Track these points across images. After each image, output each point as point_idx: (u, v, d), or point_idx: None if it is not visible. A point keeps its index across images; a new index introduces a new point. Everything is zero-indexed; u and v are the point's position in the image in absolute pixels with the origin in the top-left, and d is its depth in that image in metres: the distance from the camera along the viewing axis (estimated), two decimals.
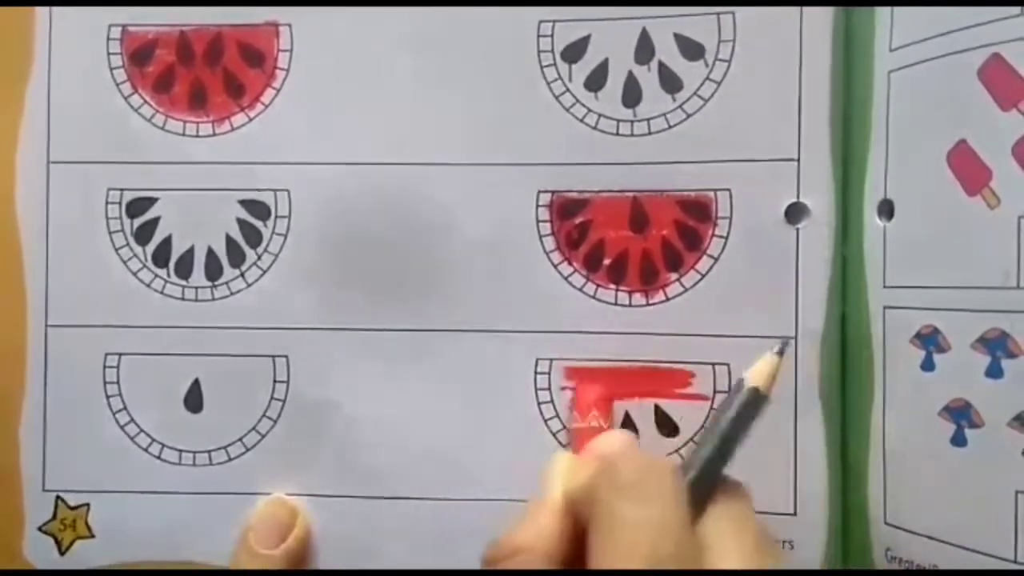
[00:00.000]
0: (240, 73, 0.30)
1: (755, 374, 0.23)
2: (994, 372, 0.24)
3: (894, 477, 0.26)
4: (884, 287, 0.27)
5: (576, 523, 0.22)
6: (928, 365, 0.25)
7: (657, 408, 0.28)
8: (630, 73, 0.29)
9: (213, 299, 0.30)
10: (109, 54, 0.30)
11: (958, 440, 0.24)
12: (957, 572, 0.25)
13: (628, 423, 0.28)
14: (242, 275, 0.30)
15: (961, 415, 0.24)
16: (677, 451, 0.28)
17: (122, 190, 0.30)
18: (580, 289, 0.29)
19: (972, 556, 0.24)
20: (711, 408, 0.28)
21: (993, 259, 0.24)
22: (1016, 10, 0.24)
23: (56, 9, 0.30)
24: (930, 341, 0.25)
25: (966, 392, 0.24)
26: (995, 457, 0.24)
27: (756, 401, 0.23)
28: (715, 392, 0.28)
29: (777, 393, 0.27)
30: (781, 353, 0.23)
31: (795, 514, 0.27)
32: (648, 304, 0.28)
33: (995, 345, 0.24)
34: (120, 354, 0.30)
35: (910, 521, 0.26)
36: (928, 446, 0.25)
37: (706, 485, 0.22)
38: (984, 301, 0.24)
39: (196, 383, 0.30)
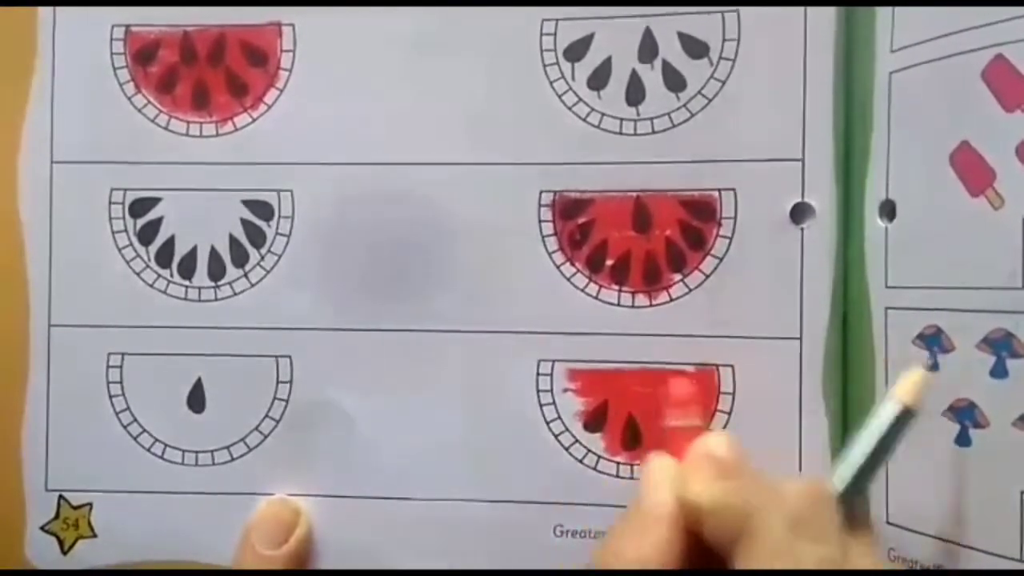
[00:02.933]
0: (243, 73, 0.30)
1: (902, 390, 0.23)
2: (999, 372, 0.24)
3: (898, 477, 0.26)
4: (886, 287, 0.27)
5: (690, 536, 0.22)
6: (932, 365, 0.25)
7: (660, 411, 0.28)
8: (633, 72, 0.29)
9: (216, 299, 0.30)
10: (113, 54, 0.30)
11: (962, 440, 0.24)
12: (961, 572, 0.25)
13: (630, 426, 0.28)
14: (245, 275, 0.30)
15: (965, 415, 0.24)
16: None
17: (125, 190, 0.30)
18: (582, 290, 0.29)
19: (977, 556, 0.24)
20: (715, 409, 0.28)
21: (997, 259, 0.24)
22: (1019, 10, 0.24)
23: (60, 9, 0.30)
24: (933, 341, 0.25)
25: (970, 392, 0.24)
26: (1000, 457, 0.24)
27: (905, 418, 0.23)
28: (720, 394, 0.28)
29: (780, 393, 0.27)
30: (932, 369, 0.23)
31: None
32: (651, 305, 0.28)
33: (1000, 345, 0.24)
34: (123, 354, 0.30)
35: (914, 521, 0.26)
36: (932, 446, 0.25)
37: (851, 504, 0.22)
38: (988, 301, 0.24)
39: (199, 383, 0.30)
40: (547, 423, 0.29)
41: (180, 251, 0.30)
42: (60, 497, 0.30)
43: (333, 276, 0.29)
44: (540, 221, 0.29)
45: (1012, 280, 0.24)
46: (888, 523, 0.26)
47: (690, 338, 0.28)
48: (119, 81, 0.30)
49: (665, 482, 0.23)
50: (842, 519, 0.22)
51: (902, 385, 0.23)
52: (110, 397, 0.30)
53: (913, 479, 0.26)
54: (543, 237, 0.29)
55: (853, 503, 0.22)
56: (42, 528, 0.30)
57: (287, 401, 0.29)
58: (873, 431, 0.23)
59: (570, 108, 0.29)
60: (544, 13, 0.29)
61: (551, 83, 0.29)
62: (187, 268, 0.30)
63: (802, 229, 0.28)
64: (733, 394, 0.28)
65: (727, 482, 0.22)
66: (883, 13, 0.27)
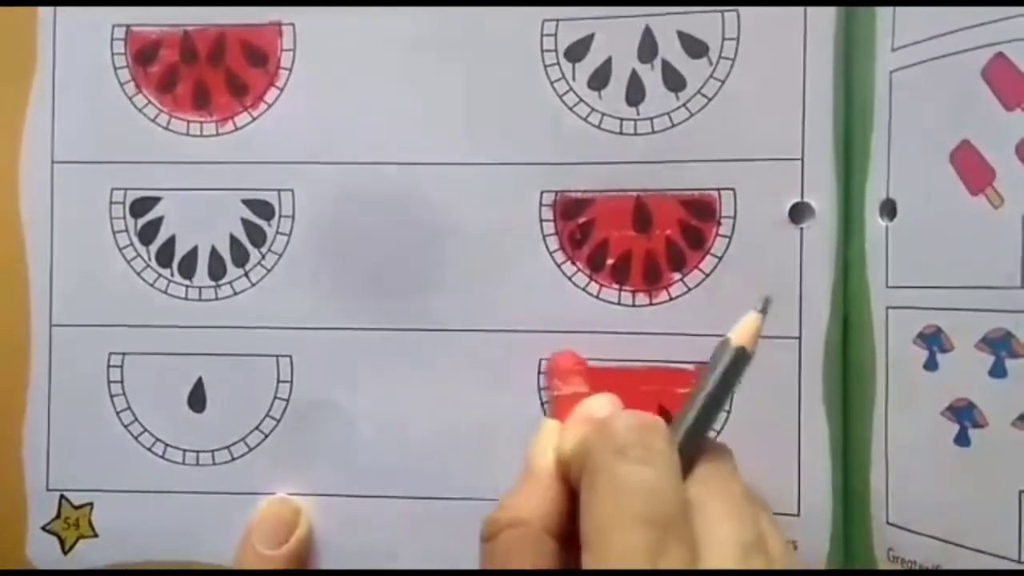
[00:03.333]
0: (243, 73, 0.30)
1: (739, 333, 0.23)
2: (998, 372, 0.24)
3: (897, 477, 0.26)
4: (887, 287, 0.27)
5: (570, 489, 0.22)
6: (931, 365, 0.25)
7: (661, 408, 0.28)
8: (633, 72, 0.29)
9: (217, 299, 0.30)
10: (113, 54, 0.30)
11: (961, 440, 0.24)
12: (960, 572, 0.25)
13: None
14: (246, 275, 0.30)
15: (964, 415, 0.24)
16: None
17: (126, 190, 0.30)
18: (583, 289, 0.29)
19: (975, 556, 0.24)
20: None
21: (997, 259, 0.24)
22: (1019, 10, 0.24)
23: (60, 9, 0.30)
24: (933, 341, 0.25)
25: (969, 392, 0.24)
26: (999, 457, 0.24)
27: (741, 360, 0.23)
28: None
29: (780, 393, 0.27)
30: (764, 311, 0.23)
31: (798, 514, 0.27)
32: (651, 304, 0.28)
33: (999, 345, 0.24)
34: (124, 354, 0.30)
35: (913, 521, 0.26)
36: (931, 446, 0.25)
37: (693, 444, 0.23)
38: (988, 301, 0.24)
39: (199, 383, 0.30)
40: None
41: (181, 251, 0.30)
42: (61, 497, 0.30)
43: (334, 275, 0.29)
44: (541, 221, 0.29)
45: (1011, 279, 0.24)
46: (887, 523, 0.26)
47: (690, 337, 0.28)
48: (119, 81, 0.30)
49: (548, 443, 0.24)
50: (685, 459, 0.22)
51: (738, 328, 0.23)
52: (111, 397, 0.30)
53: (912, 479, 0.26)
54: (544, 236, 0.29)
55: (696, 445, 0.23)
56: (43, 528, 0.30)
57: (288, 401, 0.29)
58: (709, 374, 0.23)
59: (571, 108, 0.29)
60: (544, 13, 0.29)
61: (552, 83, 0.29)
62: (188, 268, 0.30)
63: (801, 229, 0.28)
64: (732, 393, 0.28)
65: (581, 430, 0.23)
66: (883, 12, 0.27)
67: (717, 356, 0.23)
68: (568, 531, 0.22)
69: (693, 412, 0.23)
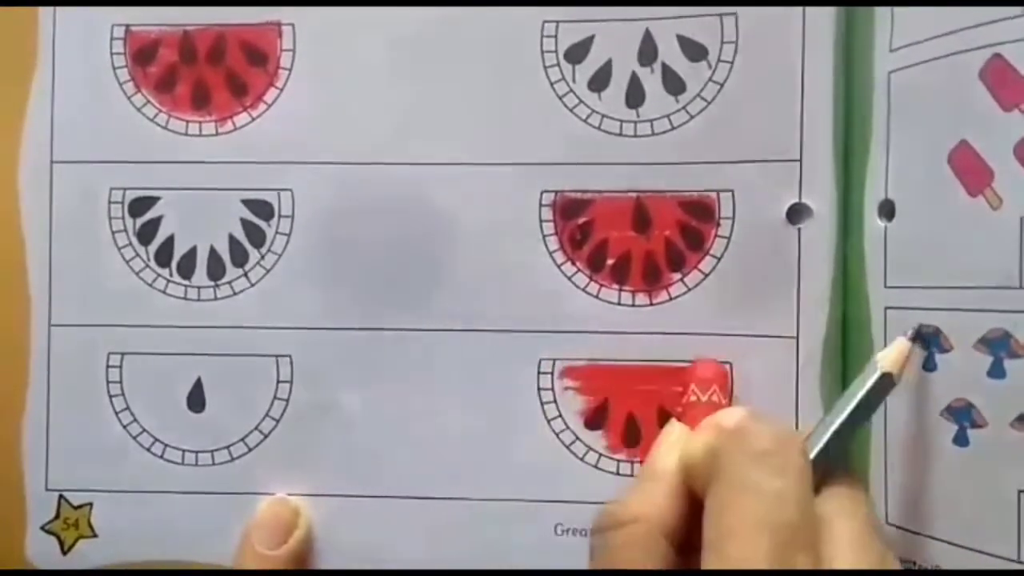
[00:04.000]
0: (243, 72, 0.30)
1: (886, 358, 0.24)
2: (996, 372, 0.24)
3: (896, 477, 0.26)
4: (885, 287, 0.27)
5: (690, 494, 0.22)
6: (930, 365, 0.25)
7: (660, 408, 0.28)
8: (633, 74, 0.29)
9: (216, 299, 0.30)
10: (112, 54, 0.30)
11: (960, 440, 0.25)
12: (959, 572, 0.25)
13: (631, 423, 0.28)
14: (245, 275, 0.30)
15: (963, 415, 0.25)
16: None
17: (125, 189, 0.30)
18: (583, 289, 0.29)
19: (975, 556, 0.24)
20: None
21: (995, 259, 0.24)
22: (1017, 10, 0.24)
23: (60, 9, 0.30)
24: (932, 341, 0.25)
25: (968, 392, 0.24)
26: (998, 457, 0.24)
27: (885, 385, 0.23)
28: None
29: (778, 393, 0.27)
30: (914, 339, 0.24)
31: None
32: (651, 304, 0.28)
33: (997, 345, 0.24)
34: (123, 354, 0.30)
35: (912, 521, 0.26)
36: (930, 446, 0.25)
37: (827, 462, 0.23)
38: (986, 301, 0.24)
39: (199, 383, 0.30)
40: (548, 421, 0.29)
41: (179, 250, 0.30)
42: (60, 497, 0.30)
43: (333, 276, 0.29)
44: (541, 221, 0.29)
45: (1009, 280, 0.24)
46: (887, 523, 0.26)
47: (689, 336, 0.28)
48: (119, 81, 0.30)
49: (672, 445, 0.24)
50: (816, 476, 0.22)
51: (886, 353, 0.24)
52: (110, 397, 0.30)
53: (911, 480, 0.26)
54: (544, 237, 0.29)
55: (830, 464, 0.23)
56: (42, 528, 0.30)
57: (287, 401, 0.29)
58: (852, 394, 0.23)
59: (571, 110, 0.29)
60: (545, 15, 0.29)
61: (552, 84, 0.29)
62: (187, 267, 0.30)
63: (799, 229, 0.28)
64: (731, 392, 0.28)
65: (712, 436, 0.23)
66: (882, 13, 0.27)
67: (862, 378, 0.24)
68: (684, 536, 0.22)
69: (829, 431, 0.23)
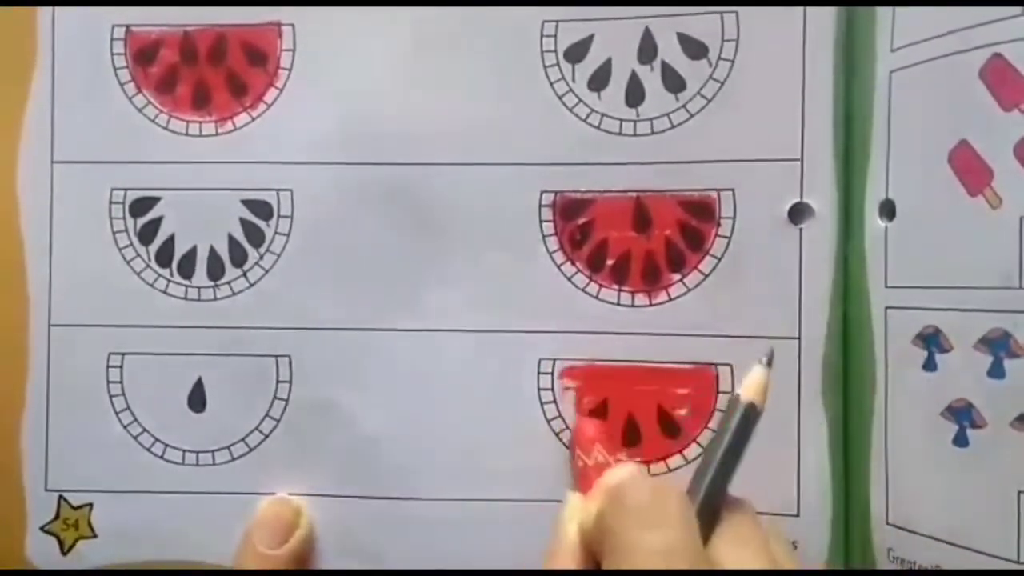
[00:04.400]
0: (243, 73, 0.30)
1: (747, 389, 0.24)
2: (996, 372, 0.24)
3: (896, 477, 0.26)
4: (886, 287, 0.27)
5: (594, 561, 0.22)
6: (930, 365, 0.25)
7: (660, 409, 0.28)
8: (633, 73, 0.29)
9: (215, 299, 0.30)
10: (113, 54, 0.30)
11: (960, 440, 0.25)
12: (959, 572, 0.25)
13: (631, 424, 0.28)
14: (244, 275, 0.30)
15: (963, 415, 0.25)
16: (680, 452, 0.28)
17: (125, 190, 0.30)
18: (583, 289, 0.29)
19: (974, 556, 0.24)
20: (714, 408, 0.28)
21: (995, 259, 0.24)
22: (1017, 10, 0.24)
23: (60, 9, 0.30)
24: (932, 341, 0.25)
25: (968, 392, 0.24)
26: (997, 457, 0.24)
27: (751, 416, 0.23)
28: (718, 392, 0.28)
29: (779, 393, 0.27)
30: (769, 364, 0.24)
31: (798, 515, 0.28)
32: (651, 304, 0.28)
33: (997, 345, 0.24)
34: (123, 354, 0.30)
35: (912, 521, 0.26)
36: (930, 446, 0.25)
37: (713, 504, 0.23)
38: (986, 301, 0.24)
39: (199, 383, 0.30)
40: (548, 421, 0.29)
41: (180, 251, 0.30)
42: (60, 497, 0.30)
43: (332, 275, 0.29)
44: (541, 221, 0.29)
45: (1009, 280, 0.24)
46: (887, 524, 0.26)
47: (689, 337, 0.28)
48: (119, 81, 0.30)
49: (572, 516, 0.24)
50: (705, 522, 0.22)
51: (746, 384, 0.24)
52: (110, 397, 0.30)
53: (911, 480, 0.26)
54: (544, 237, 0.29)
55: (715, 507, 0.23)
56: (42, 528, 0.30)
57: (287, 401, 0.29)
58: (722, 434, 0.23)
59: (571, 109, 0.29)
60: (544, 14, 0.29)
61: (552, 84, 0.29)
62: (187, 268, 0.30)
63: (800, 229, 0.28)
64: (732, 393, 0.28)
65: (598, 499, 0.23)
66: (883, 13, 0.27)
67: (728, 414, 0.23)
68: None
69: (709, 475, 0.23)
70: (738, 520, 0.23)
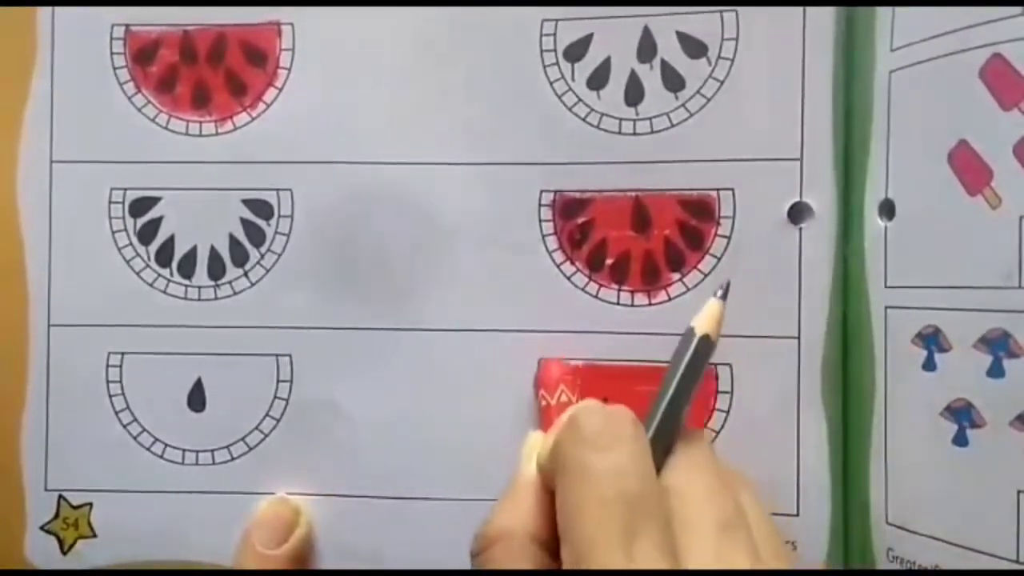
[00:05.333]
0: (243, 72, 0.30)
1: (701, 321, 0.24)
2: (996, 372, 0.24)
3: (896, 477, 0.26)
4: (885, 287, 0.27)
5: (552, 495, 0.22)
6: (929, 365, 0.25)
7: None
8: (632, 72, 0.29)
9: (216, 298, 0.30)
10: (112, 54, 0.30)
11: (960, 440, 0.25)
12: (959, 572, 0.25)
13: None
14: (245, 274, 0.30)
15: (963, 415, 0.24)
16: None
17: (125, 189, 0.30)
18: (582, 289, 0.29)
19: (974, 556, 0.24)
20: (714, 408, 0.28)
21: (994, 259, 0.24)
22: (1017, 10, 0.24)
23: (59, 9, 0.30)
24: (931, 341, 0.25)
25: (968, 392, 0.24)
26: (997, 457, 0.24)
27: (706, 348, 0.24)
28: (718, 392, 0.28)
29: (779, 393, 0.27)
30: (724, 297, 0.24)
31: (797, 514, 0.28)
32: (650, 304, 0.28)
33: (997, 345, 0.24)
34: (123, 353, 0.30)
35: (912, 521, 0.26)
36: (930, 446, 0.25)
37: (667, 434, 0.23)
38: (986, 301, 0.24)
39: (199, 382, 0.30)
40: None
41: (180, 250, 0.30)
42: (60, 497, 0.30)
43: (333, 275, 0.29)
44: (540, 220, 0.29)
45: (1009, 279, 0.24)
46: (887, 523, 0.26)
47: None
48: (119, 81, 0.30)
49: (529, 453, 0.24)
50: (659, 451, 0.22)
51: (700, 316, 0.24)
52: (110, 396, 0.30)
53: (911, 480, 0.26)
54: (543, 236, 0.29)
55: (669, 436, 0.23)
56: (42, 528, 0.30)
57: (287, 400, 0.29)
58: (676, 365, 0.24)
59: (570, 108, 0.29)
60: (544, 13, 0.29)
61: (551, 83, 0.29)
62: (187, 267, 0.30)
63: (800, 229, 0.28)
64: (731, 393, 0.28)
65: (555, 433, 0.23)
66: (882, 13, 0.27)
67: (682, 346, 0.24)
68: (552, 540, 0.22)
69: (663, 404, 0.23)
70: (692, 449, 0.23)
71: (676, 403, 0.23)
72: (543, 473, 0.23)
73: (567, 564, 0.20)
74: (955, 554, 0.25)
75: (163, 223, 0.30)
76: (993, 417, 0.24)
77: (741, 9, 0.28)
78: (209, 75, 0.30)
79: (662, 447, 0.22)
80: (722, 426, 0.28)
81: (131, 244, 0.30)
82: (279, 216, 0.30)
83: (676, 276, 0.28)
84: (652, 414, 0.23)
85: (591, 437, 0.21)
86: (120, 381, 0.30)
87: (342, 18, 0.29)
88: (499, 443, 0.29)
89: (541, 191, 0.29)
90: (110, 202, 0.30)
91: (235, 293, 0.30)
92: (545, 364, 0.28)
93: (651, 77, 0.28)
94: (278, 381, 0.30)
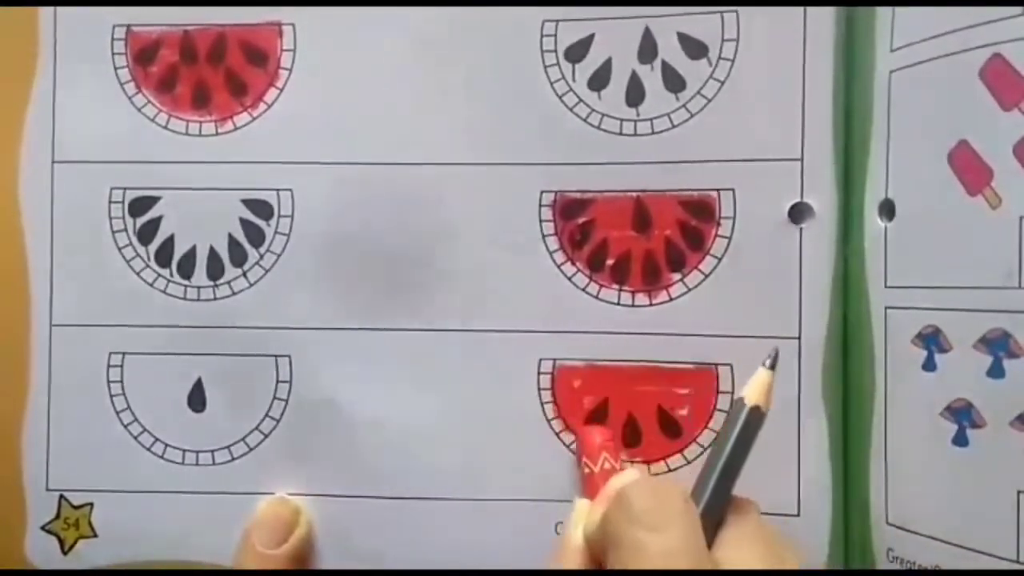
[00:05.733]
0: (243, 72, 0.30)
1: (751, 392, 0.24)
2: (996, 372, 0.24)
3: (896, 477, 0.26)
4: (885, 287, 0.27)
5: (598, 566, 0.23)
6: (930, 365, 0.25)
7: (660, 409, 0.28)
8: (633, 72, 0.29)
9: (215, 298, 0.30)
10: (113, 54, 0.30)
11: (960, 440, 0.25)
12: (959, 572, 0.25)
13: (631, 424, 0.28)
14: (244, 275, 0.30)
15: (963, 415, 0.25)
16: (680, 451, 0.28)
17: (125, 189, 0.30)
18: (583, 289, 0.29)
19: (974, 556, 0.24)
20: (714, 408, 0.28)
21: (995, 259, 0.24)
22: (1017, 10, 0.24)
23: (61, 9, 0.30)
24: (932, 341, 0.25)
25: (968, 392, 0.24)
26: (997, 457, 0.24)
27: (756, 419, 0.24)
28: (718, 392, 0.28)
29: (779, 393, 0.27)
30: (773, 367, 0.24)
31: (798, 514, 0.28)
32: (651, 304, 0.28)
33: (997, 345, 0.24)
34: (123, 353, 0.30)
35: (912, 521, 0.26)
36: (930, 446, 0.25)
37: (718, 507, 0.23)
38: (986, 301, 0.24)
39: (199, 383, 0.30)
40: (548, 421, 0.29)
41: (179, 250, 0.30)
42: (61, 497, 0.30)
43: (333, 275, 0.29)
44: (541, 221, 0.29)
45: (1009, 279, 0.24)
46: (887, 524, 0.26)
47: (689, 337, 0.28)
48: (119, 81, 0.30)
49: (577, 521, 0.24)
50: (710, 524, 0.22)
51: (750, 387, 0.24)
52: (110, 397, 0.30)
53: (911, 480, 0.26)
54: (544, 237, 0.29)
55: (720, 510, 0.23)
56: (43, 528, 0.30)
57: (287, 401, 0.29)
58: (726, 437, 0.24)
59: (571, 109, 0.29)
60: (545, 14, 0.29)
61: (552, 84, 0.29)
62: (186, 267, 0.30)
63: (801, 229, 0.28)
64: (732, 393, 0.28)
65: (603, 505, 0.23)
66: (882, 13, 0.27)
67: (732, 417, 0.24)
68: None
69: (713, 477, 0.23)
70: (743, 521, 0.23)
71: (727, 476, 0.23)
72: (590, 543, 0.23)
73: None
74: (955, 554, 0.25)
75: (163, 223, 0.30)
76: (993, 417, 0.24)
77: (741, 9, 0.28)
78: (209, 75, 0.30)
79: (713, 520, 0.23)
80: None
81: (131, 244, 0.30)
82: (279, 216, 0.30)
83: (677, 276, 0.28)
84: (702, 487, 0.23)
85: (642, 516, 0.21)
86: (121, 381, 0.30)
87: (343, 19, 0.29)
88: (500, 443, 0.29)
89: (542, 191, 0.29)
90: (110, 202, 0.30)
91: (234, 293, 0.30)
92: (586, 431, 0.28)
93: (652, 78, 0.28)
94: (278, 381, 0.29)
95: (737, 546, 0.22)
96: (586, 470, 0.27)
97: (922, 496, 0.25)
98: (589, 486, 0.27)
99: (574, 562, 0.23)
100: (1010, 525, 0.24)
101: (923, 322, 0.26)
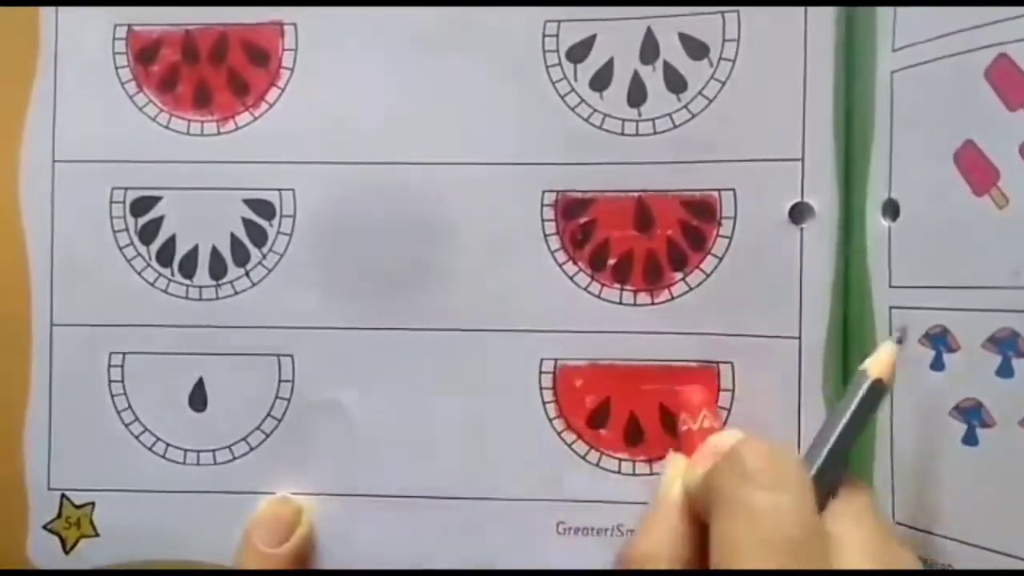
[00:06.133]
0: (245, 72, 0.30)
1: (875, 365, 0.24)
2: (1005, 372, 0.24)
3: (904, 476, 0.26)
4: (890, 287, 0.27)
5: (699, 523, 0.22)
6: (938, 365, 0.25)
7: (662, 407, 0.28)
8: (635, 73, 0.29)
9: (217, 298, 0.30)
10: (115, 53, 0.30)
11: (970, 440, 0.24)
12: (969, 572, 0.24)
13: (633, 423, 0.28)
14: (247, 274, 0.30)
15: (972, 415, 0.24)
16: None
17: (126, 189, 0.30)
18: (585, 289, 0.29)
19: (985, 555, 0.24)
20: (716, 406, 0.28)
21: (1002, 258, 0.24)
22: (1022, 10, 0.24)
23: (62, 8, 0.30)
24: (939, 341, 0.25)
25: (977, 392, 0.24)
26: (1007, 456, 0.24)
27: (878, 392, 0.23)
28: (719, 391, 0.28)
29: (780, 393, 0.27)
30: (900, 341, 0.24)
31: None
32: (653, 304, 0.28)
33: (1006, 345, 0.24)
34: (124, 353, 0.30)
35: (921, 520, 0.26)
36: (939, 445, 0.25)
37: (829, 477, 0.23)
38: (994, 301, 0.24)
39: (200, 382, 0.30)
40: (549, 420, 0.29)
41: (181, 250, 0.30)
42: (62, 496, 0.30)
43: (334, 275, 0.29)
44: (543, 221, 0.29)
45: (1017, 279, 0.24)
46: (896, 523, 0.26)
47: (691, 336, 0.28)
48: (120, 80, 0.30)
49: (674, 477, 0.24)
50: (820, 492, 0.22)
51: (874, 359, 0.24)
52: (112, 396, 0.30)
53: (920, 479, 0.26)
54: (545, 236, 0.29)
55: (831, 479, 0.23)
56: (44, 527, 0.30)
57: (289, 400, 0.29)
58: (845, 406, 0.23)
59: (572, 109, 0.29)
60: (546, 14, 0.29)
61: (554, 84, 0.29)
62: (188, 267, 0.30)
63: (801, 229, 0.28)
64: (732, 391, 0.28)
65: (709, 462, 0.23)
66: (884, 13, 0.27)
67: (853, 387, 0.24)
68: (698, 566, 0.22)
69: (828, 445, 0.23)
70: (856, 497, 0.22)
71: (841, 444, 0.23)
72: (691, 499, 0.23)
73: None
74: (966, 553, 0.24)
75: (164, 223, 0.30)
76: (1003, 417, 0.24)
77: (742, 10, 0.28)
78: (211, 75, 0.30)
79: (824, 489, 0.22)
80: (724, 425, 0.28)
81: (132, 244, 0.30)
82: (281, 216, 0.30)
83: (679, 276, 0.28)
84: (815, 454, 0.23)
85: (756, 474, 0.21)
86: (122, 381, 0.30)
87: (345, 18, 0.29)
88: (501, 442, 0.29)
89: (543, 191, 0.29)
90: (111, 202, 0.30)
91: (236, 293, 0.30)
92: (689, 389, 0.28)
93: (653, 78, 0.28)
94: (280, 381, 0.29)
95: (847, 520, 0.22)
96: (684, 427, 0.27)
97: (932, 495, 0.25)
98: (686, 443, 0.27)
99: (673, 516, 0.23)
100: (1020, 524, 0.23)
101: (930, 322, 0.25)
